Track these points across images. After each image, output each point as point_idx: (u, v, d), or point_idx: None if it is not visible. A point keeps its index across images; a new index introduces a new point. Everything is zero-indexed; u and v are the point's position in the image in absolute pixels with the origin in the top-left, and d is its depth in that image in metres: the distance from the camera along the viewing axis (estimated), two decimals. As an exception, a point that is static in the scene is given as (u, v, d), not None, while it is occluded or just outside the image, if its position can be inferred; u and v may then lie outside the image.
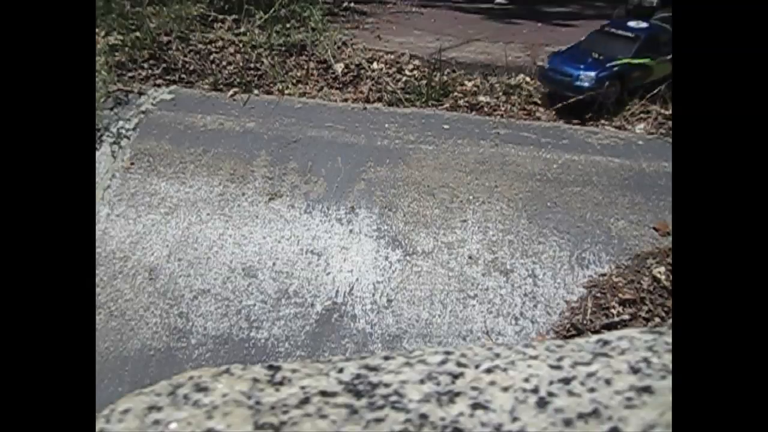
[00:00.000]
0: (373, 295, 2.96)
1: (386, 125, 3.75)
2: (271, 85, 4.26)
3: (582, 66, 3.96)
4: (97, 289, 2.95)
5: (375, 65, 4.43)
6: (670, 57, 4.00)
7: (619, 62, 3.95)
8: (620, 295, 2.80)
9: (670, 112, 3.95)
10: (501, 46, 5.06)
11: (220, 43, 4.62)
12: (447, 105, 4.15)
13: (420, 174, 3.51)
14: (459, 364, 0.53)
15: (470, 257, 3.07)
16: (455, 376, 0.51)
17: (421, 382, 0.51)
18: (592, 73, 3.91)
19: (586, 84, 3.89)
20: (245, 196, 3.40)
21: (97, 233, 3.19)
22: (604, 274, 2.95)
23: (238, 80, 4.24)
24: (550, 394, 0.48)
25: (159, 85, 4.22)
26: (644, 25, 4.28)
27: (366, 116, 3.86)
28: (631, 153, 3.66)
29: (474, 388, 0.49)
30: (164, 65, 4.38)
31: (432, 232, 3.19)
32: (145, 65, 4.37)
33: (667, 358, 0.51)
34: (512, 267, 3.03)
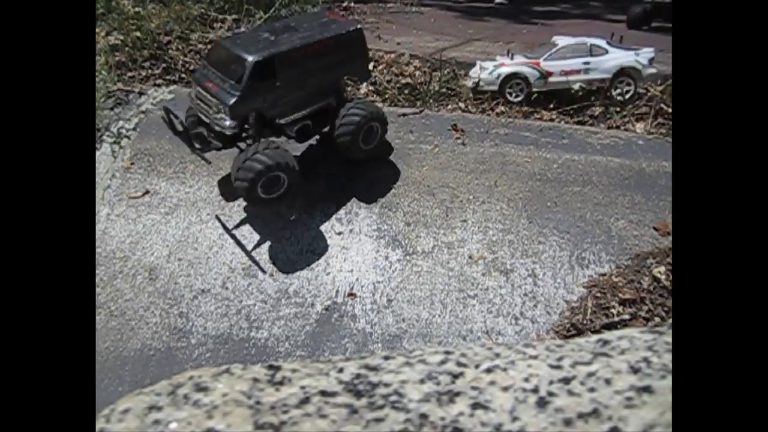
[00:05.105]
0: (373, 294, 2.96)
1: (386, 125, 3.74)
2: (271, 85, 4.25)
3: None
4: (97, 289, 2.94)
5: (375, 65, 4.43)
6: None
7: None
8: (620, 295, 2.80)
9: (670, 112, 3.94)
10: (501, 46, 5.06)
11: (220, 43, 4.61)
12: (447, 105, 4.15)
13: (420, 174, 3.50)
14: (459, 364, 0.53)
15: (470, 257, 3.07)
16: (455, 376, 0.51)
17: (421, 381, 0.50)
18: None
19: None
20: (245, 196, 3.39)
21: (97, 233, 3.19)
22: (604, 274, 2.95)
23: (238, 80, 4.23)
24: (550, 394, 0.48)
25: (159, 85, 4.22)
26: None
27: (366, 116, 3.85)
28: (631, 153, 3.66)
29: (474, 388, 0.49)
30: (164, 65, 4.38)
31: (432, 232, 3.19)
32: (145, 65, 4.37)
33: (667, 358, 0.51)
34: (512, 267, 3.03)
